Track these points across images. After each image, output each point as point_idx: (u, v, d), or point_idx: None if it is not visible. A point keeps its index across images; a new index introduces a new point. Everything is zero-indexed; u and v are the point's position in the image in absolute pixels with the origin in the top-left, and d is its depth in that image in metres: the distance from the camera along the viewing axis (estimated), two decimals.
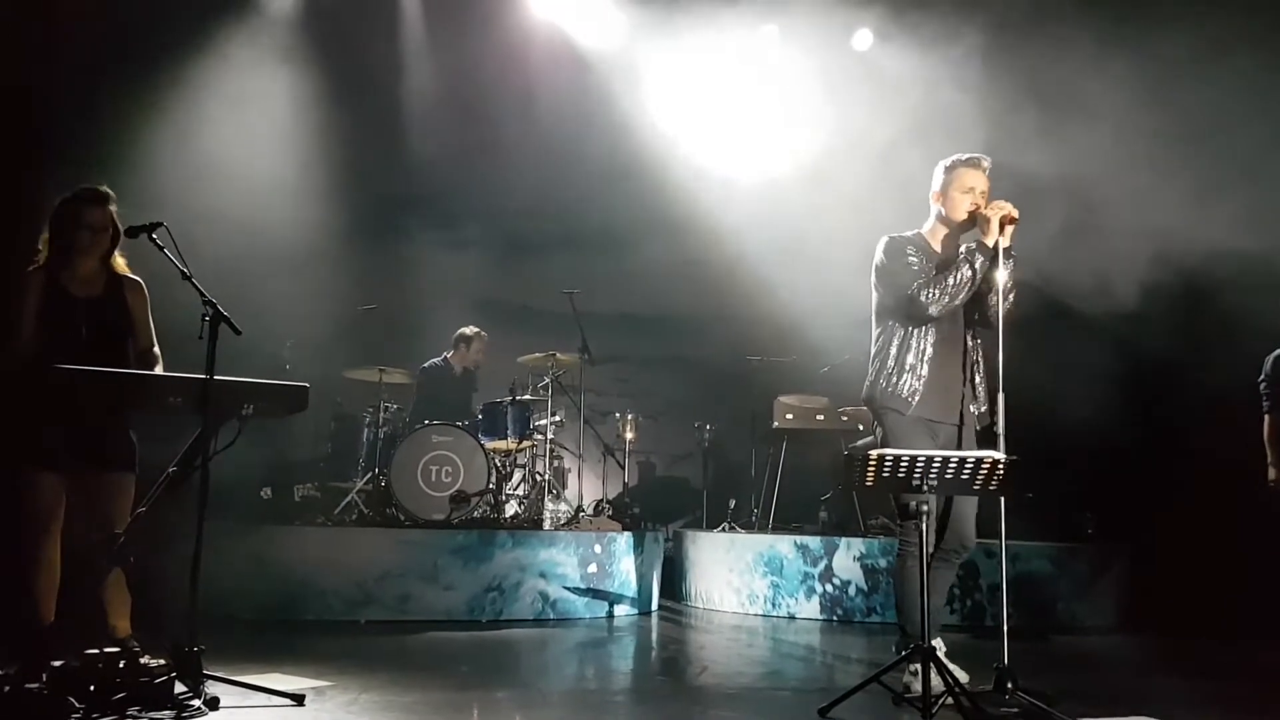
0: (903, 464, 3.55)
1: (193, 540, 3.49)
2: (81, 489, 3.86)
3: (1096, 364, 7.14)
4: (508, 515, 7.17)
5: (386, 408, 7.38)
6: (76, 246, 3.91)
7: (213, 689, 3.45)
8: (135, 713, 3.26)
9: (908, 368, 4.07)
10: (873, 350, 4.22)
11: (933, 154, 4.25)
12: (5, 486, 3.86)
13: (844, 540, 6.58)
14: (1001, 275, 3.94)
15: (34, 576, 3.80)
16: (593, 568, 6.27)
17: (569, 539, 6.29)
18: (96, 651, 3.36)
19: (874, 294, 4.23)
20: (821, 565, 6.53)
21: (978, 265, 3.97)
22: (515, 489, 7.62)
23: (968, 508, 4.07)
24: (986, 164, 4.15)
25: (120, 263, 4.05)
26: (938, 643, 4.11)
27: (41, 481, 3.80)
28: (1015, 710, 3.70)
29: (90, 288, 3.97)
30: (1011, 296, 4.09)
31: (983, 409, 4.11)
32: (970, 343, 4.16)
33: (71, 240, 3.91)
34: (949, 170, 4.17)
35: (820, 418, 7.51)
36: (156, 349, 4.10)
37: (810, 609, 6.51)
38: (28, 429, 3.78)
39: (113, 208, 3.97)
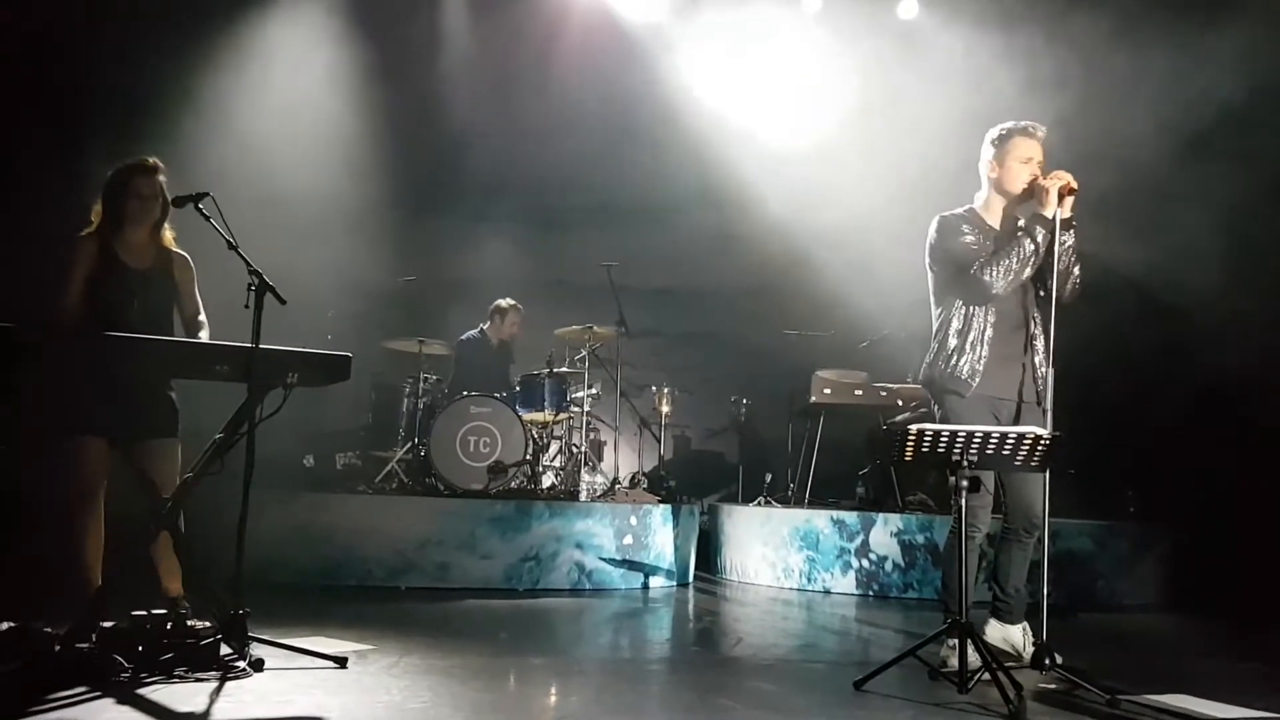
0: (942, 439, 3.53)
1: (238, 506, 3.55)
2: (129, 454, 3.94)
3: (1139, 337, 7.04)
4: (544, 486, 7.23)
5: (426, 378, 7.45)
6: (127, 215, 4.01)
7: (258, 651, 3.51)
8: (182, 673, 3.33)
9: (967, 348, 3.97)
10: (933, 331, 4.13)
11: (979, 126, 4.17)
12: (52, 452, 3.95)
13: (881, 516, 6.55)
14: (1059, 250, 3.84)
15: (81, 540, 3.88)
16: (628, 539, 6.31)
17: (605, 510, 6.32)
18: (144, 613, 3.44)
19: (930, 275, 4.14)
20: (858, 541, 6.51)
21: (1039, 238, 3.86)
22: (552, 460, 7.67)
23: (1033, 483, 3.96)
24: (1041, 133, 4.03)
25: (168, 237, 4.11)
26: (1026, 628, 4.08)
27: (86, 447, 3.87)
28: (1053, 686, 3.70)
29: (140, 259, 4.05)
30: (1076, 271, 4.00)
31: (1040, 387, 3.97)
32: (1032, 318, 4.05)
33: (122, 208, 3.99)
34: (1003, 140, 4.04)
35: (859, 393, 7.46)
36: (203, 315, 4.19)
37: (846, 584, 6.51)
38: (73, 395, 3.86)
39: (161, 178, 4.05)
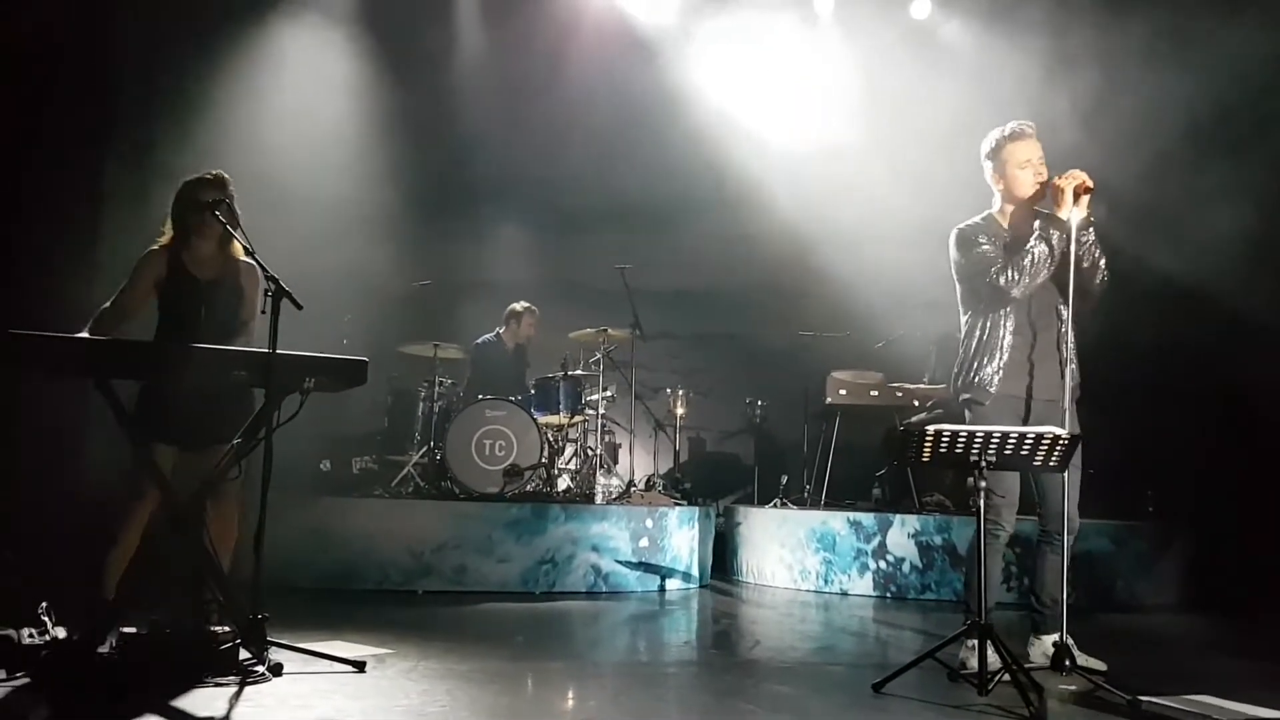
0: (960, 440, 3.51)
1: (256, 511, 3.56)
2: (198, 461, 3.93)
3: (1159, 335, 6.99)
4: (560, 489, 7.23)
5: (441, 382, 7.47)
6: (192, 228, 4.03)
7: (276, 655, 3.53)
8: (202, 678, 3.33)
9: (988, 355, 3.97)
10: (960, 342, 4.15)
11: (995, 125, 4.14)
12: (113, 458, 3.95)
13: (898, 517, 6.53)
14: (1076, 250, 3.81)
15: (113, 546, 3.87)
16: (644, 542, 6.30)
17: (621, 513, 6.32)
18: (164, 618, 3.46)
19: (957, 287, 4.16)
20: (875, 542, 6.49)
21: (1054, 240, 3.84)
22: (567, 463, 7.67)
23: (1069, 485, 3.89)
24: (1032, 130, 4.02)
25: (239, 248, 4.10)
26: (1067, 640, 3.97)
27: (156, 454, 3.83)
28: (1074, 687, 3.67)
29: (207, 270, 4.08)
30: (1103, 263, 3.98)
31: (1062, 384, 3.92)
32: (1058, 318, 4.01)
33: (186, 221, 4.03)
34: (996, 150, 4.05)
35: (875, 393, 7.44)
36: (253, 323, 4.15)
37: (863, 585, 6.48)
38: (143, 403, 3.88)
39: (228, 190, 4.04)
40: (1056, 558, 3.97)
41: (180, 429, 3.91)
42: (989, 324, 4.01)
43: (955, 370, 4.13)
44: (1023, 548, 5.87)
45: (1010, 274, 3.88)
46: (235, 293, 4.12)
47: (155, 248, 4.06)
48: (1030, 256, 3.86)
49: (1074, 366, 3.94)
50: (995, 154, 4.06)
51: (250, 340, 4.12)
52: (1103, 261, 4.00)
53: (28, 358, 3.44)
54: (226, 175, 4.08)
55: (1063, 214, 3.84)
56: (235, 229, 3.90)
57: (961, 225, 4.09)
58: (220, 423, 3.97)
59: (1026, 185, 4.01)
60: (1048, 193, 3.92)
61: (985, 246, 3.99)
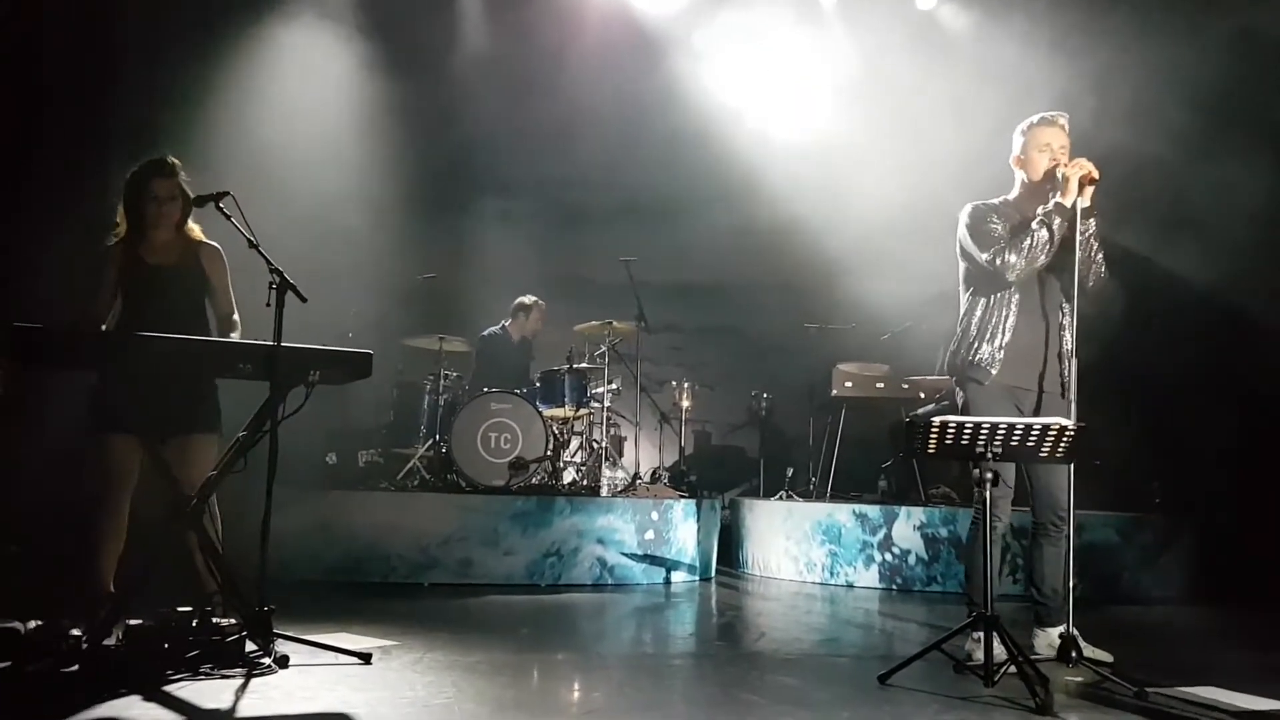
0: (966, 431, 3.50)
1: (262, 504, 3.57)
2: (165, 452, 3.94)
3: (1167, 327, 6.97)
4: (566, 482, 7.23)
5: (446, 375, 7.47)
6: (147, 218, 4.01)
7: (283, 648, 3.54)
8: (208, 670, 3.36)
9: (989, 336, 3.98)
10: (958, 319, 4.15)
11: (997, 116, 4.16)
12: (81, 450, 3.97)
13: (904, 509, 6.52)
14: (1079, 239, 3.82)
15: (98, 540, 3.89)
16: (650, 534, 6.30)
17: (626, 506, 6.32)
18: (170, 610, 3.46)
19: (960, 264, 4.16)
20: (881, 534, 6.49)
21: (1055, 226, 3.85)
22: (573, 456, 7.67)
23: (1059, 475, 3.93)
24: (1064, 121, 4.05)
25: (196, 230, 4.11)
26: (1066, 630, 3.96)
27: (113, 444, 3.88)
28: (1080, 678, 3.67)
29: (167, 256, 4.06)
30: (1100, 259, 3.99)
31: (1065, 377, 3.92)
32: (1060, 309, 4.02)
33: (141, 211, 4.01)
34: (1026, 132, 4.08)
35: (881, 386, 7.42)
36: (236, 315, 4.18)
37: (869, 578, 6.48)
38: (102, 393, 3.88)
39: (180, 177, 4.05)
40: (1053, 549, 4.02)
41: (138, 419, 3.84)
42: (991, 304, 4.03)
43: (952, 349, 4.13)
44: (1027, 539, 5.86)
45: (1009, 255, 3.90)
46: (198, 279, 4.09)
47: (111, 243, 4.04)
48: (1030, 239, 3.87)
49: (1075, 359, 3.92)
50: (1024, 134, 4.09)
51: (238, 333, 4.11)
52: (1099, 256, 4.01)
53: (33, 351, 3.44)
54: (176, 161, 4.06)
55: (1067, 201, 3.85)
56: (245, 224, 3.88)
57: (977, 202, 4.11)
58: (188, 412, 3.96)
59: (1039, 168, 4.03)
60: (1056, 180, 3.92)
61: (994, 226, 4.01)
